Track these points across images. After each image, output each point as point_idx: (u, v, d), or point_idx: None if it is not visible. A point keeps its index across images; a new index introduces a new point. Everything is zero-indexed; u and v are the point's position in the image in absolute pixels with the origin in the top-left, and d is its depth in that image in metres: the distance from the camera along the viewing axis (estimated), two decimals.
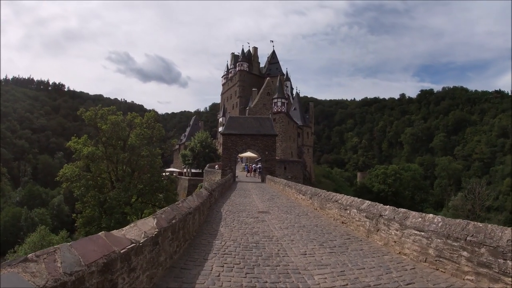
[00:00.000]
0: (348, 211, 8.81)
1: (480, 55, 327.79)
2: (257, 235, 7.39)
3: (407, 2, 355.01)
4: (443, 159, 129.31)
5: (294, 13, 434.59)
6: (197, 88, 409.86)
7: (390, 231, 6.53)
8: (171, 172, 77.96)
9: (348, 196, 9.41)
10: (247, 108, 70.92)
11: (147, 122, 32.01)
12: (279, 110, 58.05)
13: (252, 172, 40.81)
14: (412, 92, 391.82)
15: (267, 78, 67.38)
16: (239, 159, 40.05)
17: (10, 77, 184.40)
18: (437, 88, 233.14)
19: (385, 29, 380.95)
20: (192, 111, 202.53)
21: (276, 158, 36.12)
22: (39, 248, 34.34)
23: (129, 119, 31.68)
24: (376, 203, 7.85)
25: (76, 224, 29.03)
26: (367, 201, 8.26)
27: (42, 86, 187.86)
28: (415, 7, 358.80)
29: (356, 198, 8.95)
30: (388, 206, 7.19)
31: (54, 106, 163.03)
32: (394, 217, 6.46)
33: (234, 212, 10.86)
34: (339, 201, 9.55)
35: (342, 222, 9.18)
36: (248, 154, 42.00)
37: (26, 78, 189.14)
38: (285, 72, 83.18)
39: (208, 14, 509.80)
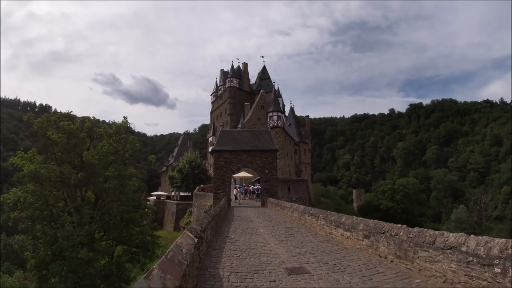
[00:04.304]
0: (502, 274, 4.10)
1: (462, 67, 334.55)
2: None
3: (389, 19, 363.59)
4: (438, 171, 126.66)
5: (278, 33, 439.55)
6: (185, 110, 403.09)
7: None
8: (158, 196, 72.26)
9: (485, 237, 4.69)
10: (239, 126, 66.47)
11: (117, 133, 24.74)
12: (275, 124, 53.34)
13: (249, 195, 36.26)
14: (398, 107, 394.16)
15: (261, 91, 63.20)
16: (232, 180, 35.28)
17: None
18: (424, 101, 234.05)
19: (369, 46, 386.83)
20: (181, 132, 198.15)
21: (278, 177, 31.27)
22: None
23: (88, 127, 24.18)
24: None
25: (28, 267, 22.67)
26: None
27: (29, 107, 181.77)
28: (397, 23, 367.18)
29: None
30: None
31: None
32: None
33: (243, 276, 5.77)
34: (461, 249, 4.83)
35: None
36: (242, 174, 37.51)
37: (13, 99, 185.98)
38: (276, 88, 79.79)
39: (193, 35, 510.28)
